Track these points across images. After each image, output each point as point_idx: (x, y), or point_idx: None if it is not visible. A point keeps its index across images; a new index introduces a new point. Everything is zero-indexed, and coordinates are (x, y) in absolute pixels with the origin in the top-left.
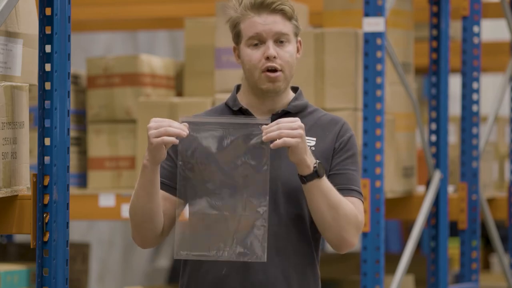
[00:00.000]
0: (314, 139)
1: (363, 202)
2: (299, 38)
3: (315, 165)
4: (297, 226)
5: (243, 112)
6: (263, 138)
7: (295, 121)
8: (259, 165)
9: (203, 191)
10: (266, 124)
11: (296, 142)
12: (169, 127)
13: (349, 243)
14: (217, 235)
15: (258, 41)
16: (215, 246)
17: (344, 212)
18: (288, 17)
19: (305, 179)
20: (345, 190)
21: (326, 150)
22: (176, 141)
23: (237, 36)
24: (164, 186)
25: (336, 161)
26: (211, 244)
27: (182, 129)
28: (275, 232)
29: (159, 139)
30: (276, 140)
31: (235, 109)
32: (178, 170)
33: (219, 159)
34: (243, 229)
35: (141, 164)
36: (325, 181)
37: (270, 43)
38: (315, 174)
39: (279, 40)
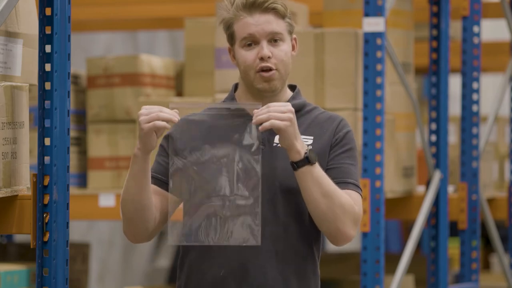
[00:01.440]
0: (312, 137)
1: (361, 196)
2: (294, 36)
3: (306, 151)
4: (296, 226)
5: (240, 111)
6: (253, 121)
7: (285, 105)
8: (251, 149)
9: (196, 178)
10: (257, 109)
11: (284, 125)
12: (160, 113)
13: (345, 235)
14: (210, 220)
15: (252, 41)
16: (209, 232)
17: (339, 201)
18: (281, 15)
19: (295, 165)
20: (341, 183)
21: (324, 147)
22: (168, 126)
23: (231, 37)
24: (159, 182)
25: (331, 156)
26: (204, 229)
27: (173, 114)
28: (273, 233)
29: (150, 124)
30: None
31: (233, 109)
32: (170, 158)
33: (211, 145)
34: (236, 214)
35: None
36: (317, 168)
37: (264, 44)
38: (306, 160)
39: (273, 39)
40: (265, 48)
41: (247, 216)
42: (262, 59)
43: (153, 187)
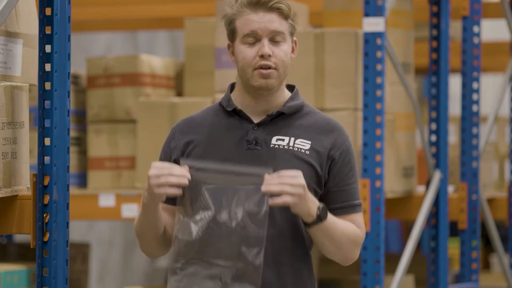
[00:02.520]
0: (310, 142)
1: (362, 211)
2: (294, 38)
3: (318, 211)
4: (292, 230)
5: (237, 113)
6: (263, 189)
7: (297, 177)
8: (258, 213)
9: (200, 241)
10: (269, 173)
11: (294, 202)
12: (170, 176)
13: (352, 260)
14: (212, 284)
15: (253, 38)
16: None
17: (348, 239)
18: (285, 16)
19: (308, 225)
20: (349, 207)
21: (322, 155)
22: (179, 192)
23: (232, 33)
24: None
25: (338, 177)
26: None
27: (183, 175)
28: (270, 237)
29: (161, 190)
30: (275, 193)
31: (229, 110)
32: (177, 218)
33: (219, 206)
34: (238, 280)
35: (141, 165)
36: (328, 220)
37: (265, 42)
38: (318, 220)
39: (275, 39)
40: (266, 46)
41: (248, 283)
42: (262, 56)
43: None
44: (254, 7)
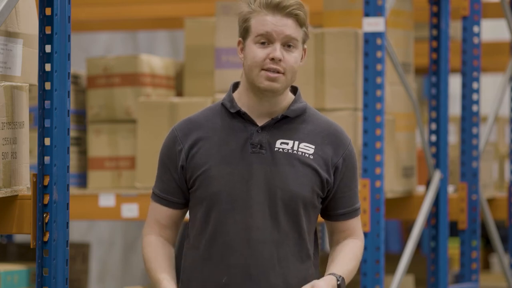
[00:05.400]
0: (313, 147)
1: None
2: (305, 46)
3: None
4: (296, 233)
5: (241, 115)
6: None
7: None
8: None
9: None
10: None
11: None
12: None
13: None
14: None
15: (266, 40)
16: None
17: (359, 261)
18: (301, 23)
19: None
20: (352, 212)
21: (326, 159)
22: None
23: (245, 31)
24: (168, 202)
25: (342, 183)
26: None
27: None
28: (275, 240)
29: None
30: None
31: (232, 111)
32: None
33: None
34: None
35: (141, 165)
36: (347, 278)
37: (278, 46)
38: None
39: (287, 44)
40: (278, 51)
41: None
42: (272, 59)
43: (165, 211)
44: (273, 10)
